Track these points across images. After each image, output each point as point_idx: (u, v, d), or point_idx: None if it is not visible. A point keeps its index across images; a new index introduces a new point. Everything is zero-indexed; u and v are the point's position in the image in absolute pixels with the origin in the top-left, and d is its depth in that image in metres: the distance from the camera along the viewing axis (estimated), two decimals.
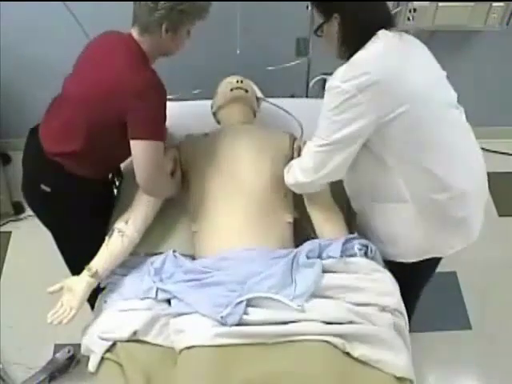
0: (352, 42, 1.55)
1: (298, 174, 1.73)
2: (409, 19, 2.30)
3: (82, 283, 1.70)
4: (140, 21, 1.66)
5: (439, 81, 1.67)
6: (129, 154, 1.71)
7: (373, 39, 1.54)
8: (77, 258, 1.79)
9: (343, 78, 1.50)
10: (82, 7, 2.31)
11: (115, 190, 2.10)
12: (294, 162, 1.80)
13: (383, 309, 1.61)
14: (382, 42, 1.54)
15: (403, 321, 1.65)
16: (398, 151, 1.60)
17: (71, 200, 1.83)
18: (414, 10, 2.27)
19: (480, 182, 1.75)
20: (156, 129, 1.67)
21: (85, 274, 1.71)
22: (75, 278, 1.72)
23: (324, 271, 1.64)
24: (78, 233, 1.90)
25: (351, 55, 1.54)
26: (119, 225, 1.80)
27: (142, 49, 1.69)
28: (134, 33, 1.69)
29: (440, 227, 1.69)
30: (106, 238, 1.80)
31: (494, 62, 2.71)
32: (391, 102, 1.52)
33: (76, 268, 1.79)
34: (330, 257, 1.68)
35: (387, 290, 1.65)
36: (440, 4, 2.26)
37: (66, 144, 1.74)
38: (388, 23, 1.58)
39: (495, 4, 2.28)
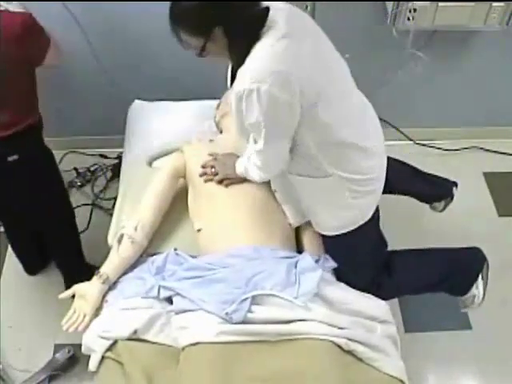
0: (243, 43, 1.50)
1: (258, 173, 1.75)
2: (409, 19, 2.30)
3: (93, 289, 1.71)
4: None
5: (328, 50, 1.65)
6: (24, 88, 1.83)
7: (263, 32, 1.50)
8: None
9: (255, 78, 1.45)
10: (81, 7, 2.31)
11: None
12: (246, 163, 1.80)
13: (375, 319, 1.69)
14: (273, 33, 1.49)
15: (393, 328, 1.72)
16: (320, 135, 1.60)
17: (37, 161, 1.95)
18: (414, 10, 2.27)
19: (381, 134, 1.80)
20: (46, 39, 1.84)
21: (96, 280, 1.73)
22: (87, 283, 1.73)
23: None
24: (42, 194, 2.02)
25: (244, 57, 1.50)
26: (129, 231, 1.81)
27: None
28: None
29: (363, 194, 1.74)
30: (115, 243, 1.81)
31: (494, 61, 2.71)
32: (306, 90, 1.50)
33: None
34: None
35: (374, 303, 1.75)
36: (440, 4, 2.25)
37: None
38: (267, 12, 1.52)
39: (495, 4, 2.27)
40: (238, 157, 1.88)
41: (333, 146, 1.63)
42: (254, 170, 1.76)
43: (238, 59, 1.53)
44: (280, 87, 1.45)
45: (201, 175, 1.92)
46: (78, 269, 2.28)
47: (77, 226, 2.32)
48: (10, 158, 1.85)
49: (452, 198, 2.22)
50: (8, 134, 1.82)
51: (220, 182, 1.89)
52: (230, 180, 1.89)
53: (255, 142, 1.63)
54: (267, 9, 1.53)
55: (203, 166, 1.93)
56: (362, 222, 1.77)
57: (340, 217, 1.77)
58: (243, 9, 1.49)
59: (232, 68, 1.67)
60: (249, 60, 1.49)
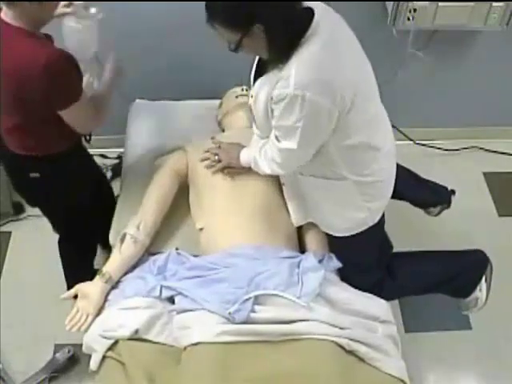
0: (282, 47, 1.49)
1: (272, 167, 1.73)
2: (409, 19, 2.30)
3: (96, 289, 1.72)
4: None
5: (361, 54, 1.65)
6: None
7: (307, 36, 1.48)
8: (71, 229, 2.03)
9: (300, 85, 1.45)
10: None
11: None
12: (258, 154, 1.78)
13: (376, 319, 1.70)
14: (318, 40, 1.48)
15: (394, 328, 1.73)
16: (342, 137, 1.60)
17: (61, 179, 1.87)
18: (414, 10, 2.27)
19: (392, 138, 1.81)
20: (72, 92, 1.67)
21: (98, 279, 1.73)
22: (89, 283, 1.74)
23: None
24: (70, 207, 1.98)
25: (286, 58, 1.49)
26: (131, 230, 1.81)
27: (20, 26, 1.62)
28: (3, 14, 1.63)
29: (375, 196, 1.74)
30: (118, 242, 1.81)
31: (494, 61, 2.71)
32: (346, 96, 1.50)
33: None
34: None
35: (375, 303, 1.75)
36: (440, 4, 2.25)
37: (19, 137, 1.79)
38: (311, 17, 1.51)
39: (495, 4, 2.27)
40: (243, 147, 1.87)
41: (351, 148, 1.63)
42: (266, 163, 1.73)
43: (276, 59, 1.52)
44: (324, 95, 1.46)
45: (202, 160, 1.91)
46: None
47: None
48: (32, 175, 1.84)
49: (449, 206, 2.23)
50: (31, 154, 1.81)
51: (221, 170, 1.88)
52: (232, 169, 1.88)
53: (278, 140, 1.62)
54: (311, 11, 1.51)
55: (206, 151, 1.92)
56: (371, 224, 1.77)
57: (350, 218, 1.77)
58: (285, 8, 1.46)
59: (258, 62, 1.66)
60: (293, 65, 1.47)
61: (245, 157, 1.83)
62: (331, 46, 1.51)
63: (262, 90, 1.58)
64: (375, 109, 1.70)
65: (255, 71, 1.69)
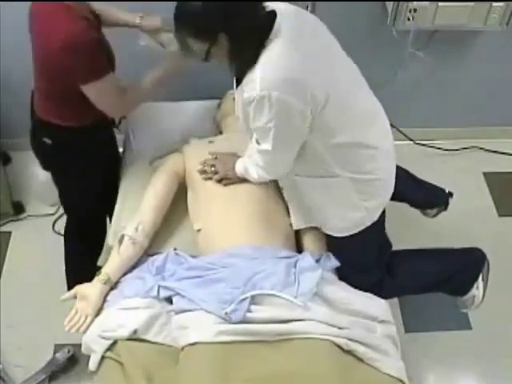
0: (247, 52, 1.51)
1: (258, 172, 1.76)
2: (409, 19, 2.30)
3: (95, 290, 1.71)
4: None
5: (337, 51, 1.66)
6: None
7: (271, 38, 1.50)
8: (78, 208, 2.09)
9: (265, 86, 1.46)
10: None
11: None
12: (246, 161, 1.81)
13: (375, 319, 1.69)
14: (281, 40, 1.50)
15: (393, 328, 1.72)
16: (328, 135, 1.61)
17: (71, 151, 1.94)
18: (414, 10, 2.27)
19: (391, 137, 1.81)
20: (88, 69, 1.71)
21: (97, 280, 1.73)
22: (88, 284, 1.74)
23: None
24: (79, 182, 2.03)
25: (252, 62, 1.50)
26: (129, 232, 1.81)
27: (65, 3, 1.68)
28: None
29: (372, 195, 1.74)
30: (116, 243, 1.81)
31: (494, 61, 2.71)
32: (317, 93, 1.51)
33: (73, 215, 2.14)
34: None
35: (374, 303, 1.74)
36: (440, 4, 2.25)
37: (43, 102, 1.90)
38: (273, 18, 1.52)
39: (495, 4, 2.27)
40: (239, 157, 1.88)
41: (340, 146, 1.63)
42: (254, 168, 1.76)
43: (242, 65, 1.54)
44: (292, 94, 1.47)
45: (200, 172, 1.92)
46: None
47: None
48: (47, 141, 1.92)
49: (446, 208, 2.23)
50: (47, 120, 1.88)
51: (219, 181, 1.89)
52: (229, 180, 1.89)
53: (258, 142, 1.64)
54: (274, 14, 1.53)
55: (203, 164, 1.93)
56: (368, 224, 1.77)
57: (348, 218, 1.77)
58: (247, 14, 1.49)
59: (235, 73, 1.68)
60: (258, 67, 1.49)
61: (239, 166, 1.84)
62: (296, 45, 1.51)
63: (239, 95, 1.60)
64: (363, 106, 1.69)
65: (236, 80, 1.70)
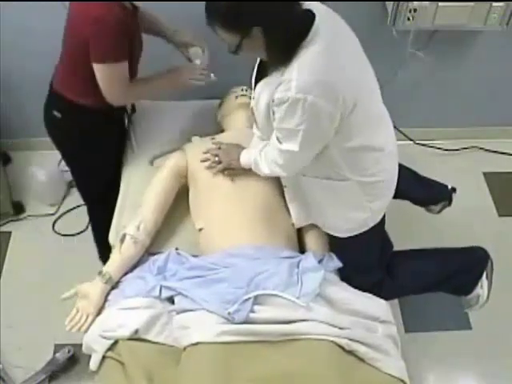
0: (284, 48, 1.49)
1: (273, 169, 1.73)
2: (409, 19, 2.30)
3: (96, 289, 1.72)
4: None
5: (362, 56, 1.66)
6: None
7: (308, 39, 1.48)
8: (87, 185, 2.20)
9: (301, 89, 1.45)
10: None
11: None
12: (257, 156, 1.78)
13: (376, 319, 1.69)
14: (320, 42, 1.48)
15: (394, 328, 1.72)
16: (345, 139, 1.60)
17: (80, 128, 2.01)
18: (414, 10, 2.27)
19: (394, 139, 1.81)
20: (114, 51, 1.77)
21: (99, 279, 1.73)
22: (89, 283, 1.74)
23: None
24: (87, 160, 2.11)
25: (287, 60, 1.49)
26: (131, 231, 1.81)
27: None
28: None
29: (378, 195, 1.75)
30: (118, 242, 1.81)
31: (494, 61, 2.71)
32: (347, 98, 1.51)
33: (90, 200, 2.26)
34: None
35: (375, 303, 1.74)
36: (440, 4, 2.25)
37: (61, 75, 1.96)
38: (312, 19, 1.51)
39: (495, 4, 2.27)
40: (243, 148, 1.87)
41: (353, 150, 1.63)
42: (265, 164, 1.73)
43: (276, 61, 1.52)
44: (326, 98, 1.46)
45: (202, 161, 1.92)
46: None
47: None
48: (56, 114, 1.98)
49: (450, 203, 2.23)
50: (61, 93, 1.94)
51: (222, 171, 1.89)
52: (233, 170, 1.88)
53: (280, 142, 1.62)
54: (312, 14, 1.51)
55: (206, 153, 1.93)
56: (372, 225, 1.77)
57: (352, 219, 1.77)
58: (284, 10, 1.46)
59: (259, 65, 1.66)
60: (295, 69, 1.47)
61: (245, 158, 1.83)
62: (333, 48, 1.51)
63: (263, 92, 1.58)
64: (377, 110, 1.70)
65: (256, 73, 1.69)
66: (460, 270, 1.97)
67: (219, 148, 1.93)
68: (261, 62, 1.69)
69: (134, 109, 2.25)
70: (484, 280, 1.96)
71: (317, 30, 1.49)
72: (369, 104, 1.63)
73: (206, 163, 1.91)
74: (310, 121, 1.49)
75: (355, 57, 1.61)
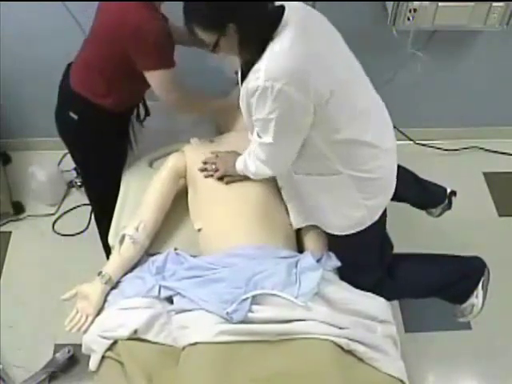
0: (256, 42, 1.52)
1: (259, 166, 1.74)
2: (409, 19, 2.30)
3: (96, 290, 1.71)
4: None
5: (342, 48, 1.67)
6: (135, 86, 1.92)
7: (278, 31, 1.51)
8: (98, 189, 2.20)
9: (269, 76, 1.47)
10: (81, 7, 2.31)
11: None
12: (247, 157, 1.80)
13: (375, 319, 1.69)
14: (289, 34, 1.50)
15: (393, 328, 1.72)
16: (329, 131, 1.61)
17: (96, 129, 2.02)
18: (414, 10, 2.27)
19: (393, 137, 1.81)
20: (160, 58, 1.81)
21: (98, 280, 1.73)
22: (89, 284, 1.74)
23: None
24: (99, 161, 2.11)
25: (259, 55, 1.51)
26: (130, 232, 1.81)
27: None
28: None
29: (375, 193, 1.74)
30: (117, 243, 1.81)
31: (494, 61, 2.71)
32: (321, 86, 1.51)
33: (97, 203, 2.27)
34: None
35: (374, 303, 1.74)
36: (440, 4, 2.25)
37: (82, 75, 1.96)
38: (282, 13, 1.53)
39: (495, 4, 2.27)
40: (240, 155, 1.88)
41: (341, 143, 1.63)
42: (252, 163, 1.75)
43: (249, 57, 1.54)
44: (295, 86, 1.47)
45: (201, 170, 1.93)
46: None
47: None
48: (73, 116, 1.98)
49: (450, 207, 2.22)
50: (79, 93, 1.94)
51: (220, 179, 1.89)
52: (231, 177, 1.89)
53: (259, 136, 1.63)
54: (282, 8, 1.54)
55: (204, 163, 1.94)
56: (369, 223, 1.77)
57: (348, 217, 1.77)
58: (257, 7, 1.50)
59: (242, 66, 1.68)
60: (264, 58, 1.49)
61: (239, 163, 1.84)
62: (303, 39, 1.52)
63: (244, 89, 1.60)
64: (365, 104, 1.69)
65: (241, 73, 1.70)
66: (459, 279, 1.97)
67: (216, 156, 1.94)
68: (242, 65, 1.70)
69: (147, 112, 2.24)
70: (480, 290, 1.95)
71: (286, 23, 1.52)
72: (353, 95, 1.63)
73: (205, 172, 1.92)
74: (281, 109, 1.50)
75: (332, 48, 1.62)
